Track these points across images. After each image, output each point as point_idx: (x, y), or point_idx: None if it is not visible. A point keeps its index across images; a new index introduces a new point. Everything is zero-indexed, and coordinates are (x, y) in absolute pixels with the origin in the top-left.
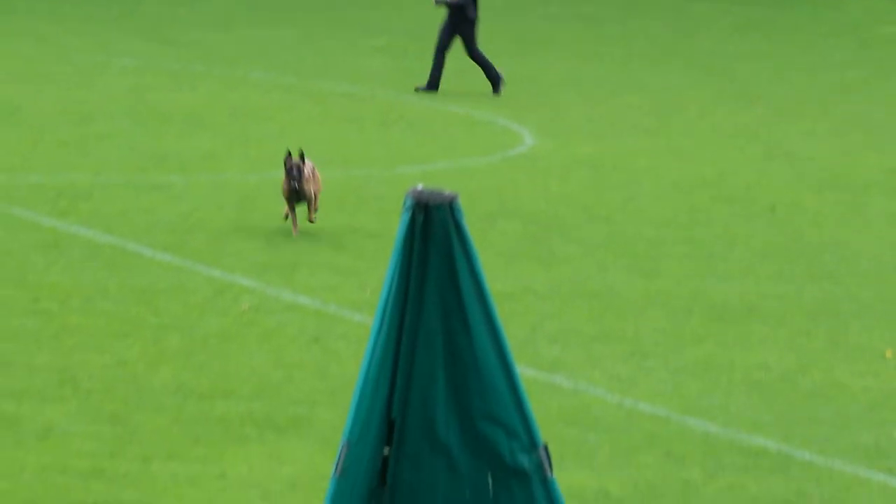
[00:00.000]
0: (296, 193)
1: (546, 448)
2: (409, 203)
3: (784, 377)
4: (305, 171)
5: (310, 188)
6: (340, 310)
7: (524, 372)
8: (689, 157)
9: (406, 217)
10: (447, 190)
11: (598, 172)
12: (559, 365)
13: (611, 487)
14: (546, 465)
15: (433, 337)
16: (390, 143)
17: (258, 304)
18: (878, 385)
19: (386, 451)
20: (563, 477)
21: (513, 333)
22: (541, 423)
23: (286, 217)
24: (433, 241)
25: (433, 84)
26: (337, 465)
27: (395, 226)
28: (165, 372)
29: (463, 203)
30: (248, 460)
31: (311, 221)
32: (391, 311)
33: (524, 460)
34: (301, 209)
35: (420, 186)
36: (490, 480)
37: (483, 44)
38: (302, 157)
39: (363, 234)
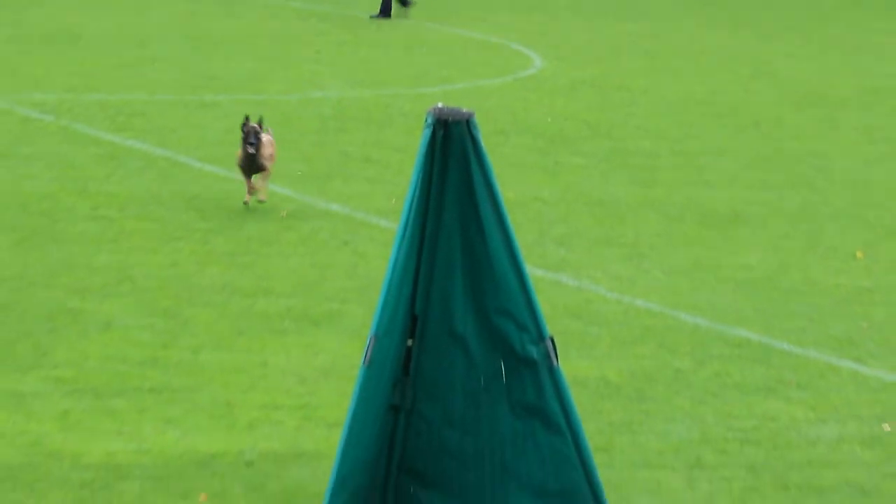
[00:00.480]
0: (251, 161)
1: (552, 340)
2: (430, 120)
3: (765, 276)
4: (263, 138)
5: (265, 158)
6: (369, 216)
7: (533, 271)
8: (683, 77)
9: (428, 132)
10: (465, 108)
11: (601, 92)
12: (564, 265)
13: (610, 375)
14: (552, 355)
15: (451, 240)
16: (414, 65)
17: (295, 211)
18: (849, 282)
19: (409, 343)
20: (568, 366)
21: (523, 237)
22: (547, 318)
23: (246, 203)
24: (452, 153)
25: (385, 11)
26: (365, 355)
27: (418, 140)
28: (213, 271)
29: (478, 119)
30: (286, 351)
31: (260, 201)
32: (414, 216)
33: (533, 351)
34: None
35: (440, 105)
36: (503, 368)
37: None
38: (260, 124)
39: (389, 147)
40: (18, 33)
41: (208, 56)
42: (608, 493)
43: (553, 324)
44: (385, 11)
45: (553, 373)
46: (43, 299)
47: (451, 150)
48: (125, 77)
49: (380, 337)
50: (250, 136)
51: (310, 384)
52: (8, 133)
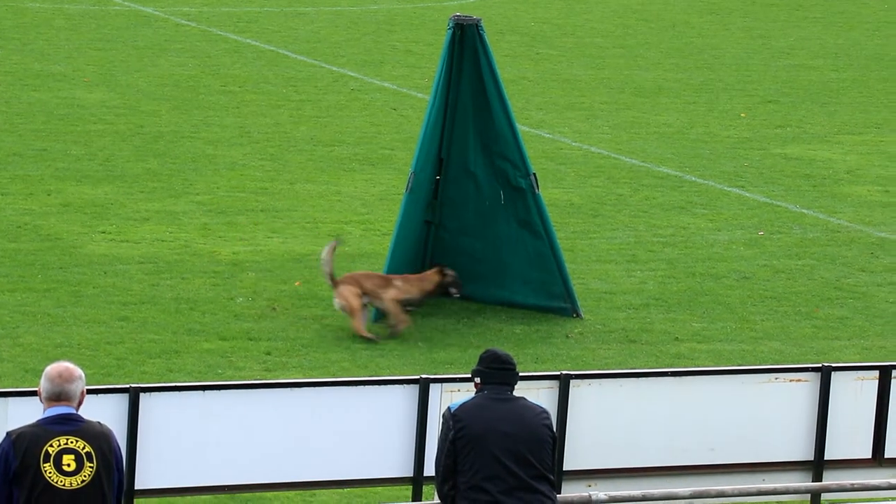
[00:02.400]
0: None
1: (535, 175)
2: (451, 24)
3: (679, 130)
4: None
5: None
6: (410, 90)
7: (521, 128)
8: None
9: (449, 32)
10: (474, 16)
11: (568, 4)
12: (543, 124)
13: (574, 199)
14: (535, 185)
15: (466, 107)
16: None
17: (359, 87)
18: (737, 134)
19: (437, 177)
20: (546, 193)
21: (515, 104)
22: (532, 160)
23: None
24: (466, 48)
25: None
26: (407, 186)
27: (443, 39)
28: (303, 128)
29: (484, 24)
30: (353, 183)
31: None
32: (440, 91)
33: (522, 182)
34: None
35: (458, 14)
36: (502, 195)
37: None
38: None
39: (423, 43)
40: None
41: None
42: (572, 279)
43: (536, 163)
44: None
45: (536, 197)
46: (189, 147)
47: (466, 45)
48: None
49: (417, 173)
50: (457, 286)
51: (369, 206)
52: (166, 35)
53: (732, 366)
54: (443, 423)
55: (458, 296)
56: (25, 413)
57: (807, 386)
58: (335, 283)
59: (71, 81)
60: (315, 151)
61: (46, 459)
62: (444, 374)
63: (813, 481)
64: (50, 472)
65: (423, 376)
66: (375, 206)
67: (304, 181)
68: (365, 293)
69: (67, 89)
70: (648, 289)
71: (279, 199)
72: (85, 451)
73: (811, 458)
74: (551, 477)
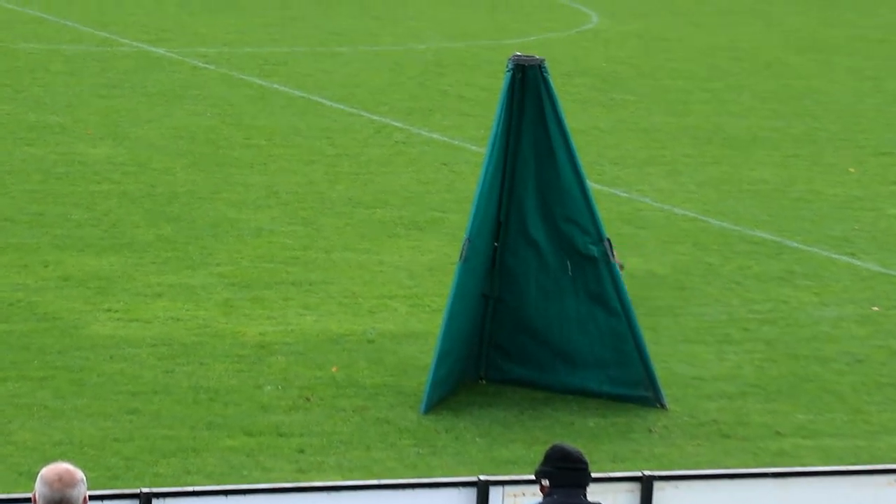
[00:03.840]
0: None
1: (609, 241)
2: (510, 65)
3: (777, 187)
4: None
5: None
6: (463, 142)
7: (593, 186)
8: (709, 29)
9: (508, 75)
10: (537, 56)
11: (645, 41)
12: (618, 180)
13: (655, 268)
14: (610, 253)
15: (528, 161)
16: (496, 22)
17: (405, 139)
18: (845, 192)
19: (495, 244)
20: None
21: (584, 158)
22: (604, 223)
23: None
24: (528, 92)
25: None
26: (461, 254)
27: (500, 82)
28: (341, 188)
29: (548, 65)
30: (399, 251)
31: None
32: (499, 142)
33: (594, 250)
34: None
35: (518, 53)
36: (569, 265)
37: None
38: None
39: (478, 87)
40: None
41: (334, 15)
42: (655, 363)
43: (609, 228)
44: None
45: (610, 267)
46: (208, 210)
47: (528, 89)
48: (270, 33)
49: (472, 239)
50: None
51: (417, 278)
52: (180, 80)
53: (845, 465)
54: None
55: None
56: None
57: None
58: None
59: (71, 134)
60: (354, 214)
61: None
62: (505, 475)
63: None
64: None
65: (482, 478)
66: (424, 278)
67: (341, 249)
68: None
69: (67, 143)
70: (744, 374)
71: (313, 269)
72: None
73: None
74: None
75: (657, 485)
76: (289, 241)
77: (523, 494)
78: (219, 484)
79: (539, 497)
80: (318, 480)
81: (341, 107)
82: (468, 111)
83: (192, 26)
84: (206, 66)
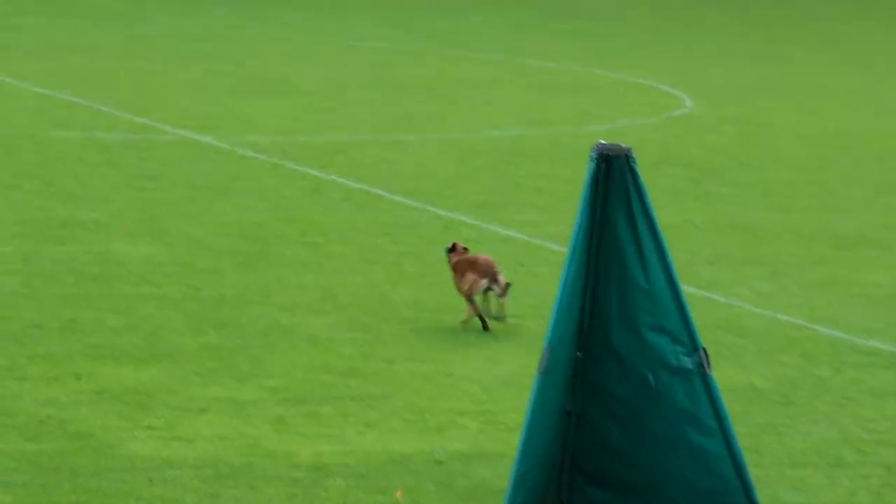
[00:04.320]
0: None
1: (705, 350)
2: (594, 154)
3: (892, 292)
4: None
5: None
6: (541, 240)
7: (686, 289)
8: (816, 114)
9: (592, 165)
10: (623, 143)
11: (744, 128)
12: (714, 283)
13: (757, 382)
14: (705, 365)
15: (612, 261)
16: (578, 106)
17: (476, 236)
18: None
19: (578, 354)
20: (719, 374)
21: (676, 258)
22: (699, 331)
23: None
24: (613, 184)
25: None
26: (540, 365)
27: (583, 173)
28: (405, 290)
29: (636, 154)
30: (470, 362)
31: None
32: (581, 241)
33: (686, 361)
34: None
35: (602, 141)
36: (655, 379)
37: (649, 22)
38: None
39: (558, 179)
40: (237, 82)
41: (398, 100)
42: (757, 489)
43: (704, 336)
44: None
45: (706, 380)
46: (258, 315)
47: (613, 180)
48: (327, 120)
49: (553, 348)
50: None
51: (491, 391)
52: (228, 170)
53: None
54: None
55: None
56: None
57: None
58: None
59: (107, 231)
60: (420, 320)
61: None
62: None
63: None
64: None
65: None
66: (499, 392)
67: (405, 359)
68: None
69: (102, 241)
70: (859, 502)
71: (374, 382)
72: None
73: None
74: None
75: None
76: (347, 350)
77: None
78: None
79: None
80: None
81: (405, 200)
82: (546, 205)
83: (240, 112)
84: (257, 155)
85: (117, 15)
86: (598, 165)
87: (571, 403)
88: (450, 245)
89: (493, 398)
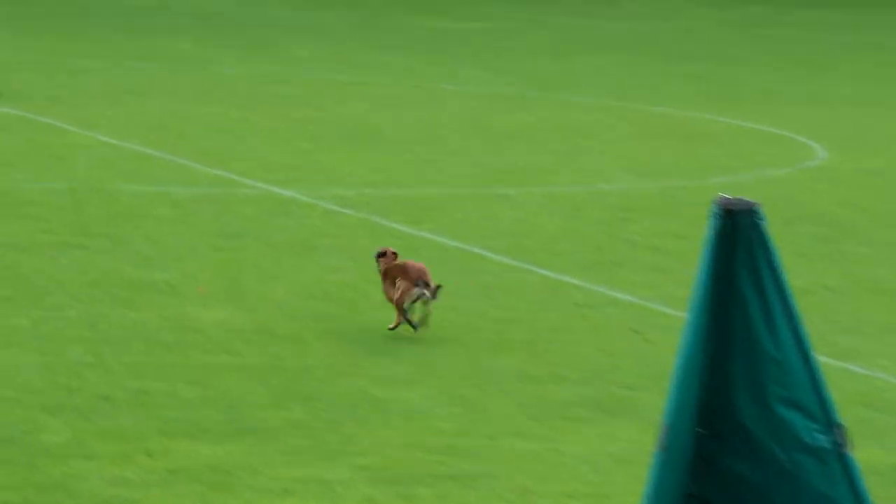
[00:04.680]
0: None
1: (843, 427)
2: (716, 210)
3: None
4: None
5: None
6: (657, 304)
7: (821, 360)
8: None
9: (713, 222)
10: (749, 198)
11: (886, 181)
12: (853, 353)
13: None
14: (843, 443)
15: (737, 328)
16: (697, 156)
17: (586, 300)
18: None
19: (699, 430)
20: (860, 454)
21: (810, 325)
22: (837, 406)
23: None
24: (738, 242)
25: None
26: (660, 442)
27: (703, 230)
28: (508, 359)
29: (764, 209)
30: (580, 439)
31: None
32: (702, 305)
33: (822, 439)
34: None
35: (725, 195)
36: (789, 459)
37: (776, 64)
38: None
39: (675, 237)
40: (322, 130)
41: (499, 150)
42: None
43: (843, 411)
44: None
45: (844, 461)
46: (347, 388)
47: (737, 239)
48: (421, 171)
49: (672, 424)
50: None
51: (604, 472)
52: (313, 227)
53: None
54: None
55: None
56: None
57: None
58: None
59: (180, 294)
60: (524, 392)
61: None
62: None
63: None
64: None
65: None
66: (613, 472)
67: (509, 435)
68: None
69: (175, 305)
70: None
71: (475, 460)
72: None
73: None
74: None
75: None
76: (445, 426)
77: None
78: None
79: None
80: None
81: (507, 260)
82: (663, 266)
83: (326, 163)
84: (344, 210)
85: (190, 58)
86: (720, 222)
87: (694, 486)
88: (380, 250)
89: (606, 479)
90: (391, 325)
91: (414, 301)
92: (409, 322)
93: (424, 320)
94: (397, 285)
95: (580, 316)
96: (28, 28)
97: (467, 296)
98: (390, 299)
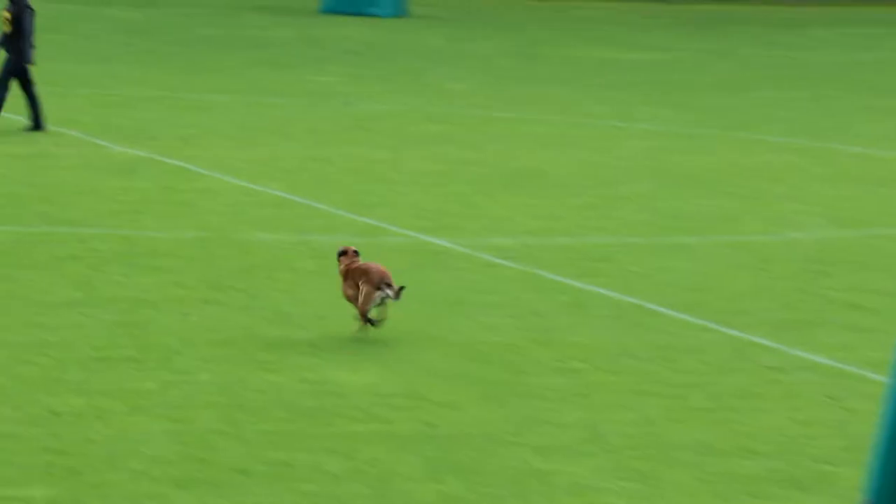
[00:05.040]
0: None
1: None
2: None
3: None
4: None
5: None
6: (857, 368)
7: None
8: None
9: None
10: None
11: None
12: None
13: None
14: None
15: None
16: None
17: (777, 362)
18: None
19: None
20: None
21: None
22: None
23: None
24: None
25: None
26: None
27: None
28: (687, 428)
29: None
30: None
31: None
32: None
33: None
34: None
35: None
36: None
37: None
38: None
39: (878, 292)
40: (480, 173)
41: (677, 194)
42: None
43: None
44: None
45: None
46: (508, 459)
47: None
48: (590, 218)
49: (876, 503)
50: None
51: None
52: (468, 279)
53: None
54: None
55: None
56: None
57: None
58: None
59: (324, 356)
60: (707, 466)
61: None
62: None
63: None
64: None
65: None
66: None
67: None
68: None
69: (318, 368)
70: None
71: None
72: None
73: None
74: None
75: None
76: (618, 502)
77: None
78: None
79: None
80: None
81: (687, 317)
82: (863, 325)
83: (484, 210)
84: (504, 262)
85: (333, 92)
86: None
87: None
88: (340, 249)
89: None
90: (355, 329)
91: (378, 305)
92: (370, 321)
93: (381, 317)
94: (361, 289)
95: (770, 381)
96: (156, 61)
97: (642, 357)
98: (348, 299)
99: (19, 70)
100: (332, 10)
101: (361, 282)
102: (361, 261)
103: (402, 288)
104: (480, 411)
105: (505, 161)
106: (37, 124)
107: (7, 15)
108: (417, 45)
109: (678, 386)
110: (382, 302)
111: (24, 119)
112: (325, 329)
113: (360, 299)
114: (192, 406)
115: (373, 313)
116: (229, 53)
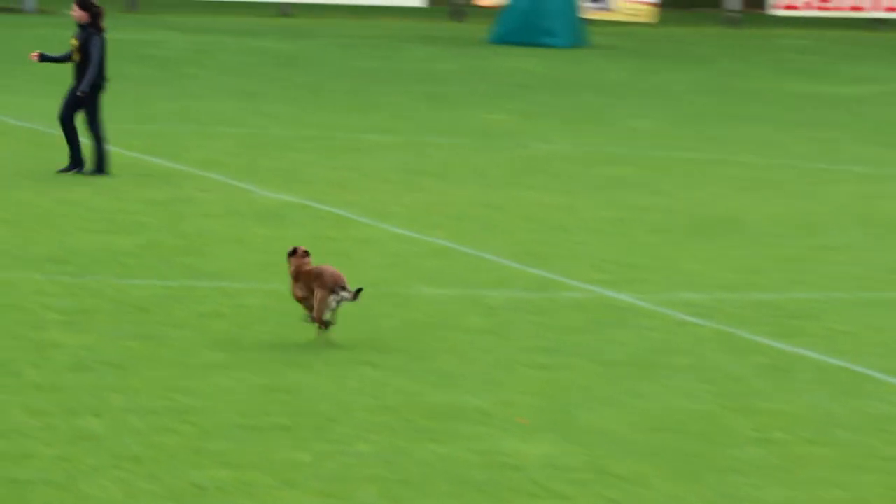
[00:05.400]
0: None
1: None
2: None
3: None
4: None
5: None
6: None
7: None
8: None
9: None
10: None
11: None
12: None
13: None
14: None
15: None
16: None
17: None
18: None
19: None
20: None
21: None
22: None
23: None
24: None
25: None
26: None
27: None
28: None
29: None
30: None
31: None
32: None
33: None
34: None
35: None
36: None
37: None
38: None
39: None
40: (667, 221)
41: (891, 244)
42: None
43: None
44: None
45: None
46: None
47: None
48: (793, 272)
49: None
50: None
51: None
52: (655, 339)
53: None
54: None
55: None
56: None
57: None
58: None
59: (494, 423)
60: None
61: None
62: None
63: None
64: None
65: None
66: None
67: None
68: None
69: (489, 437)
70: None
71: None
72: None
73: None
74: None
75: None
76: None
77: None
78: None
79: None
80: None
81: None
82: None
83: (673, 261)
84: (696, 320)
85: (503, 132)
86: None
87: None
88: (290, 249)
89: None
90: (317, 334)
91: (333, 309)
92: (324, 324)
93: (330, 318)
94: (316, 294)
95: None
96: (309, 98)
97: (853, 427)
98: (298, 300)
99: (82, 101)
100: (503, 41)
101: (315, 286)
102: (314, 265)
103: (359, 290)
104: (671, 487)
105: (695, 207)
106: (74, 163)
107: (74, 42)
108: (597, 79)
109: (894, 460)
110: (338, 305)
111: (164, 161)
112: (496, 394)
113: (316, 304)
114: (349, 480)
115: (327, 315)
116: (390, 88)
